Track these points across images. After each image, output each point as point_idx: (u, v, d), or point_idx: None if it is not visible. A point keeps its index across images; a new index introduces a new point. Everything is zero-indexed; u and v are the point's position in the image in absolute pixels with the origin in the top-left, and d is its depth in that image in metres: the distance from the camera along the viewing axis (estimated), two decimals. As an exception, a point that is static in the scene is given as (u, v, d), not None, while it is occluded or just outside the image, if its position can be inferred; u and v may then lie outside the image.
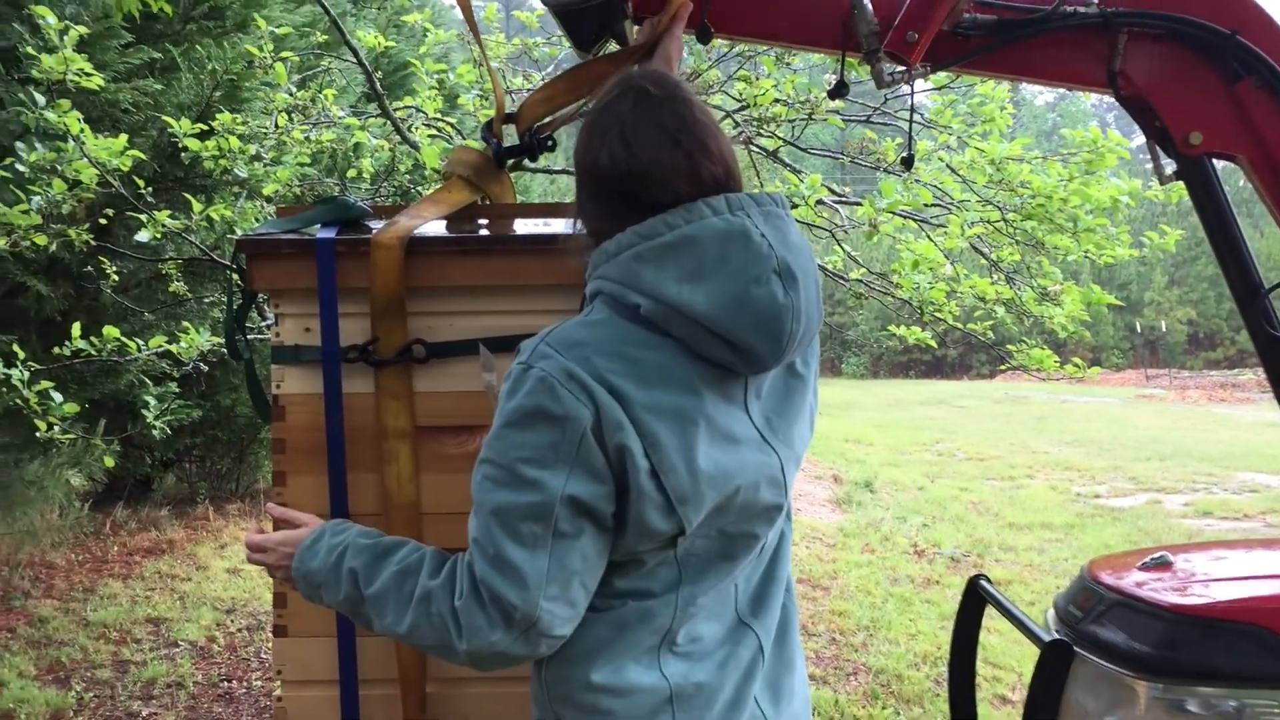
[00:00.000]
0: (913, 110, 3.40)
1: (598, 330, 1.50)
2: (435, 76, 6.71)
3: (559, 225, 2.19)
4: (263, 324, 5.74)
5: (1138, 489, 13.16)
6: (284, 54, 6.39)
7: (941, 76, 6.21)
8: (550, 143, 2.30)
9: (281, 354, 2.09)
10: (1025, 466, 15.21)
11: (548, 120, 2.30)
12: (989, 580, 3.09)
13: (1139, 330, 41.90)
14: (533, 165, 3.14)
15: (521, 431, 1.45)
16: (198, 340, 5.58)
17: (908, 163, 3.28)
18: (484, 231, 2.19)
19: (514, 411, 1.46)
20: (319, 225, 2.13)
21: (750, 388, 1.57)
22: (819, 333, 1.68)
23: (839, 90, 2.75)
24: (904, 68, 2.48)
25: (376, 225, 2.12)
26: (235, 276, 2.20)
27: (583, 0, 2.38)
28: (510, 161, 2.28)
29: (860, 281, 6.64)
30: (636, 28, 2.43)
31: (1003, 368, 7.99)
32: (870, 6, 2.45)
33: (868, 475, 13.82)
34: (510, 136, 2.31)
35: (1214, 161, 2.45)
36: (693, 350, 1.49)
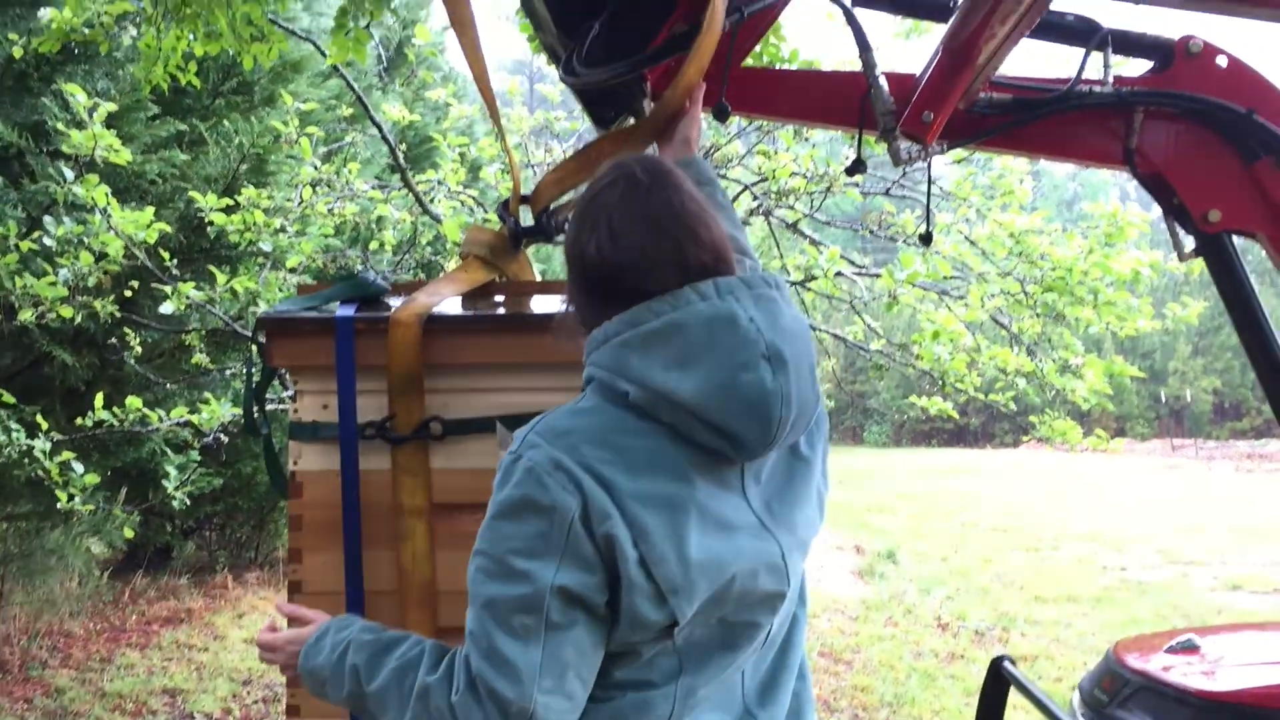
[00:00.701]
0: (930, 187, 3.42)
1: (586, 418, 1.50)
2: (458, 150, 6.80)
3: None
4: (285, 394, 5.77)
5: (1165, 561, 12.97)
6: (309, 129, 6.51)
7: (960, 151, 6.26)
8: (566, 223, 2.32)
9: (299, 430, 2.09)
10: (1051, 538, 15.02)
11: (563, 201, 2.32)
12: (1012, 661, 3.04)
13: (1164, 400, 41.58)
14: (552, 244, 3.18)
15: (510, 523, 1.45)
16: (219, 411, 5.62)
17: (926, 239, 3.29)
18: (501, 309, 2.20)
19: (503, 503, 1.46)
20: (338, 302, 2.15)
21: (747, 472, 1.54)
22: (826, 412, 1.67)
23: (856, 167, 2.77)
24: (920, 146, 2.49)
25: (395, 303, 2.13)
26: (255, 352, 2.22)
27: (603, 80, 2.42)
28: (526, 241, 2.30)
29: (880, 352, 6.63)
30: None
31: (1025, 438, 7.94)
32: (886, 86, 2.48)
33: (891, 546, 13.67)
34: (527, 215, 2.33)
35: (1233, 238, 2.45)
36: (684, 436, 1.47)
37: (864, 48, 2.52)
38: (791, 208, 6.33)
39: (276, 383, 5.01)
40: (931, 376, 6.10)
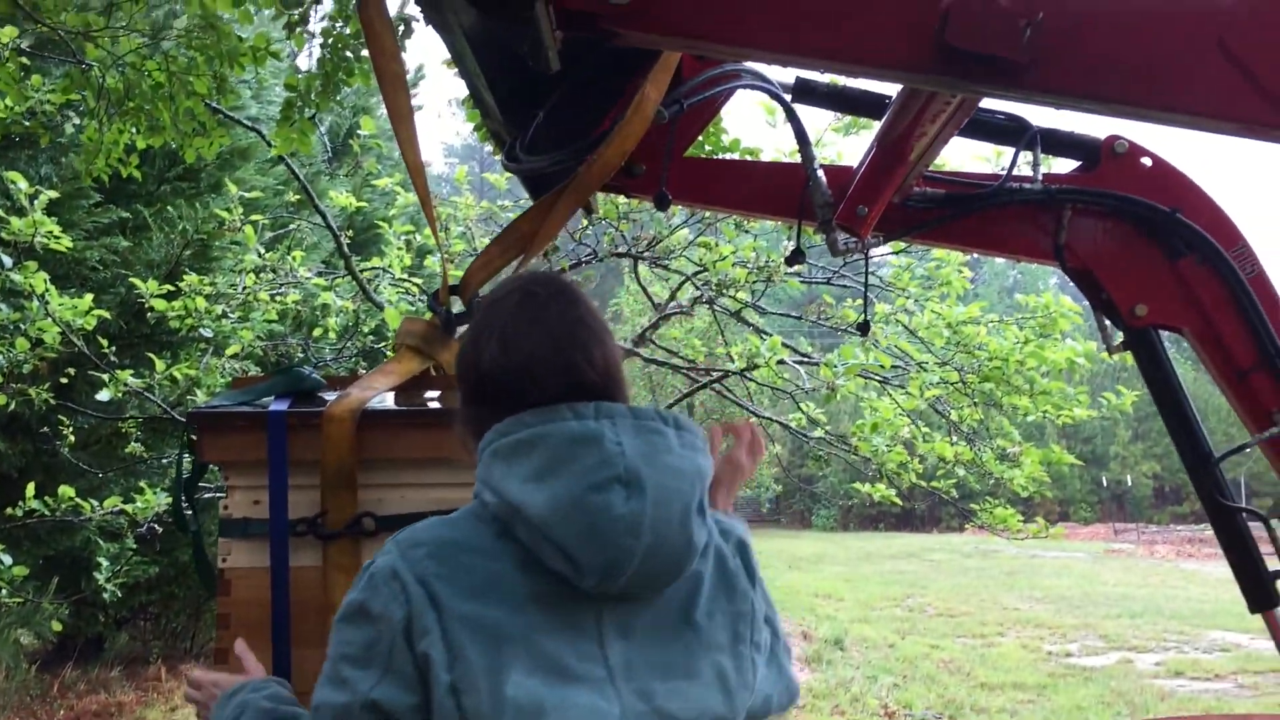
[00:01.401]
0: (867, 278, 3.49)
1: (447, 530, 1.45)
2: (403, 237, 6.83)
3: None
4: (216, 488, 5.69)
5: (1109, 647, 13.02)
6: (254, 216, 6.51)
7: (898, 242, 6.39)
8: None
9: (229, 527, 2.06)
10: (996, 623, 15.05)
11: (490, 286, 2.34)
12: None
13: (1105, 484, 42.09)
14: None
15: (347, 627, 1.42)
16: (154, 500, 5.52)
17: (863, 329, 3.35)
18: (434, 403, 2.20)
19: (345, 606, 1.44)
20: (272, 397, 2.14)
21: (608, 619, 1.42)
22: (749, 594, 1.54)
23: (795, 257, 2.83)
24: (856, 238, 2.55)
25: (330, 397, 2.13)
26: (185, 447, 2.19)
27: (543, 167, 2.45)
28: (460, 329, 2.31)
29: (823, 439, 6.68)
30: (602, 195, 2.50)
31: (964, 526, 8.01)
32: (824, 179, 2.54)
33: (838, 632, 13.62)
34: (459, 303, 2.35)
35: (1160, 332, 2.52)
36: (536, 561, 1.39)
37: (803, 142, 2.60)
38: (734, 297, 6.42)
39: (215, 472, 4.94)
40: (871, 464, 6.16)
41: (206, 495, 5.64)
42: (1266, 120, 2.04)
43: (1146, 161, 2.50)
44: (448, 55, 2.53)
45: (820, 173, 2.56)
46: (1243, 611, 2.49)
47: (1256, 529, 2.50)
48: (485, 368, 1.51)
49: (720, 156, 2.94)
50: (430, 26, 2.37)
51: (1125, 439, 44.32)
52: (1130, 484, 43.21)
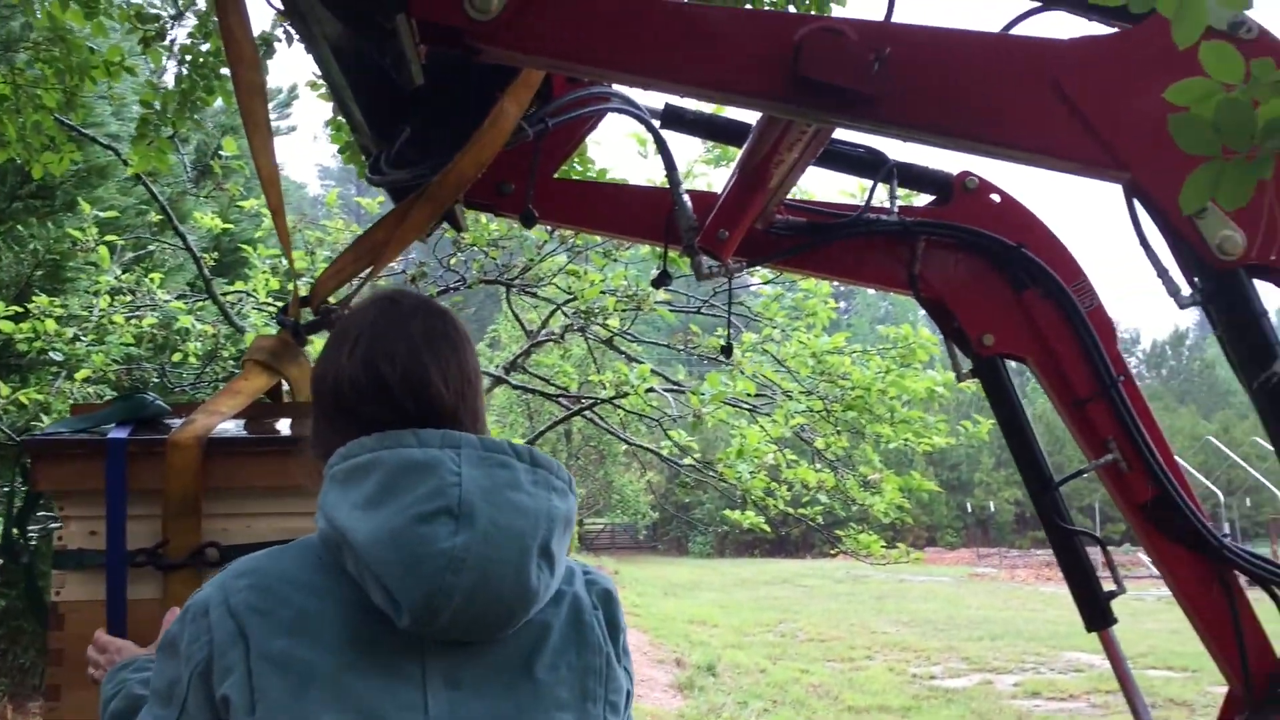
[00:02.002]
0: (731, 302, 3.55)
1: (275, 561, 1.36)
2: (269, 261, 6.69)
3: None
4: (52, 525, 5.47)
5: (971, 669, 13.39)
6: (110, 236, 6.30)
7: (766, 271, 6.52)
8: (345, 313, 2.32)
9: (63, 559, 1.98)
10: (865, 647, 15.34)
11: (344, 295, 2.32)
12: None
13: (970, 510, 43.37)
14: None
15: (161, 659, 1.36)
16: (-3, 531, 5.26)
17: (726, 351, 3.41)
18: (284, 430, 2.15)
19: (162, 637, 1.39)
20: (113, 424, 2.07)
21: (433, 666, 1.33)
22: (607, 652, 1.44)
23: (662, 280, 2.86)
24: (719, 262, 2.60)
25: (175, 424, 2.07)
26: (19, 476, 2.11)
27: (405, 179, 2.44)
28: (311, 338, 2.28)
29: (693, 467, 6.74)
30: (472, 219, 2.49)
31: (832, 552, 8.15)
32: (690, 204, 2.59)
33: (710, 658, 13.71)
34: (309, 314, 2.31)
35: (1005, 361, 2.62)
36: (366, 599, 1.31)
37: (669, 166, 2.64)
38: (604, 325, 6.45)
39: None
40: (736, 491, 6.25)
41: (53, 526, 5.41)
42: (1099, 161, 2.16)
43: (995, 197, 2.61)
44: (315, 72, 2.51)
45: (686, 197, 2.60)
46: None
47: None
48: (338, 378, 1.43)
49: (586, 180, 2.99)
50: (297, 37, 2.34)
51: (989, 466, 45.79)
52: (993, 510, 44.63)
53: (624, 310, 6.18)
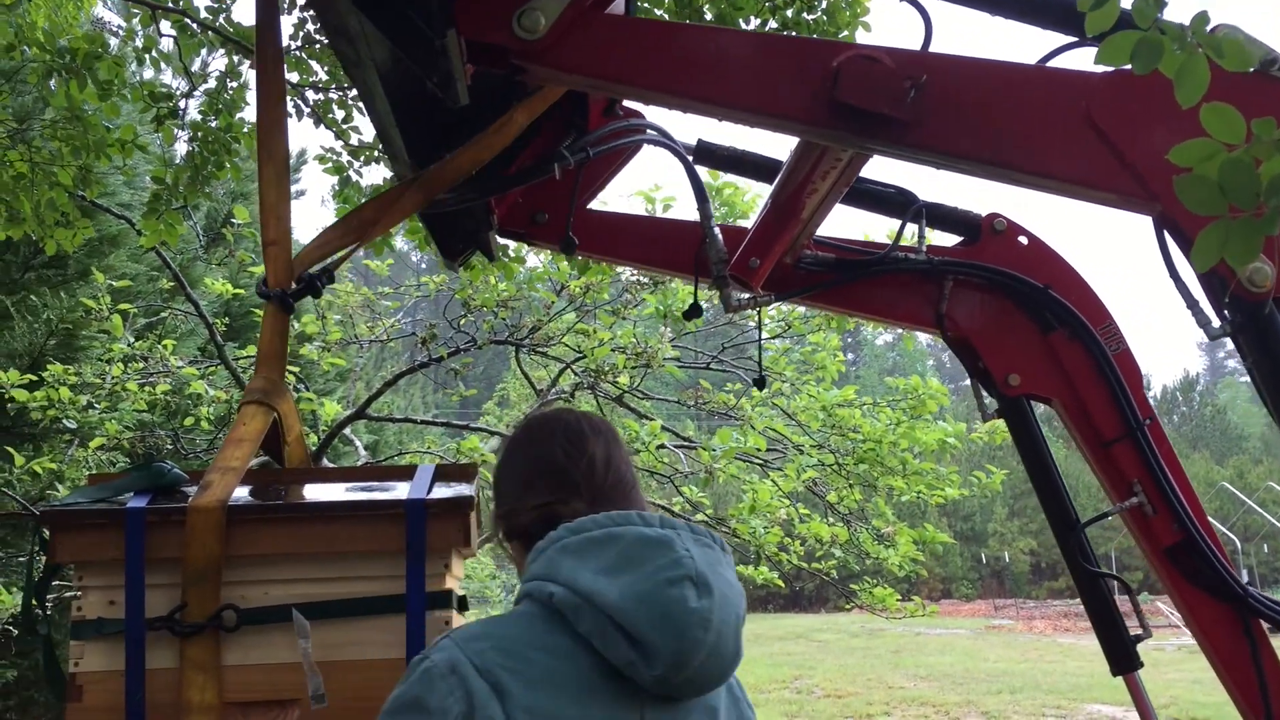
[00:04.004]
0: (761, 331, 3.56)
1: (505, 626, 1.52)
2: (280, 326, 6.73)
3: (378, 492, 2.19)
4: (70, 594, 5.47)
5: (990, 724, 13.22)
6: (123, 305, 6.35)
7: (775, 322, 6.55)
8: (328, 279, 2.34)
9: (82, 629, 1.98)
10: (882, 702, 15.16)
11: (330, 261, 2.35)
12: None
13: (984, 561, 43.00)
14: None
15: (399, 718, 1.46)
16: (10, 601, 5.27)
17: (760, 383, 3.38)
18: (301, 497, 2.17)
19: (394, 699, 1.48)
20: (130, 493, 2.08)
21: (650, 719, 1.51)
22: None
23: (693, 312, 2.89)
24: (749, 294, 2.62)
25: (192, 491, 2.08)
26: (37, 547, 2.12)
27: (450, 205, 2.48)
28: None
29: (706, 523, 6.72)
30: (504, 241, 2.52)
31: (846, 606, 8.10)
32: (720, 236, 2.62)
33: (726, 718, 13.53)
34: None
35: (1031, 402, 2.62)
36: (597, 655, 1.47)
37: (701, 198, 2.67)
38: (614, 383, 6.48)
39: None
40: (749, 547, 6.22)
41: (69, 594, 5.41)
42: (1132, 192, 2.18)
43: (1023, 239, 2.63)
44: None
45: (717, 230, 2.63)
46: (1118, 684, 2.57)
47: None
48: (552, 455, 1.69)
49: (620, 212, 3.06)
50: (340, 64, 2.39)
51: (1003, 516, 45.46)
52: (1008, 560, 44.25)
53: (633, 368, 6.21)
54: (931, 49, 2.22)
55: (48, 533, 2.01)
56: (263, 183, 2.38)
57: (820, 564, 6.98)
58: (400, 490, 2.11)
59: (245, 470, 2.11)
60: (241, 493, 2.11)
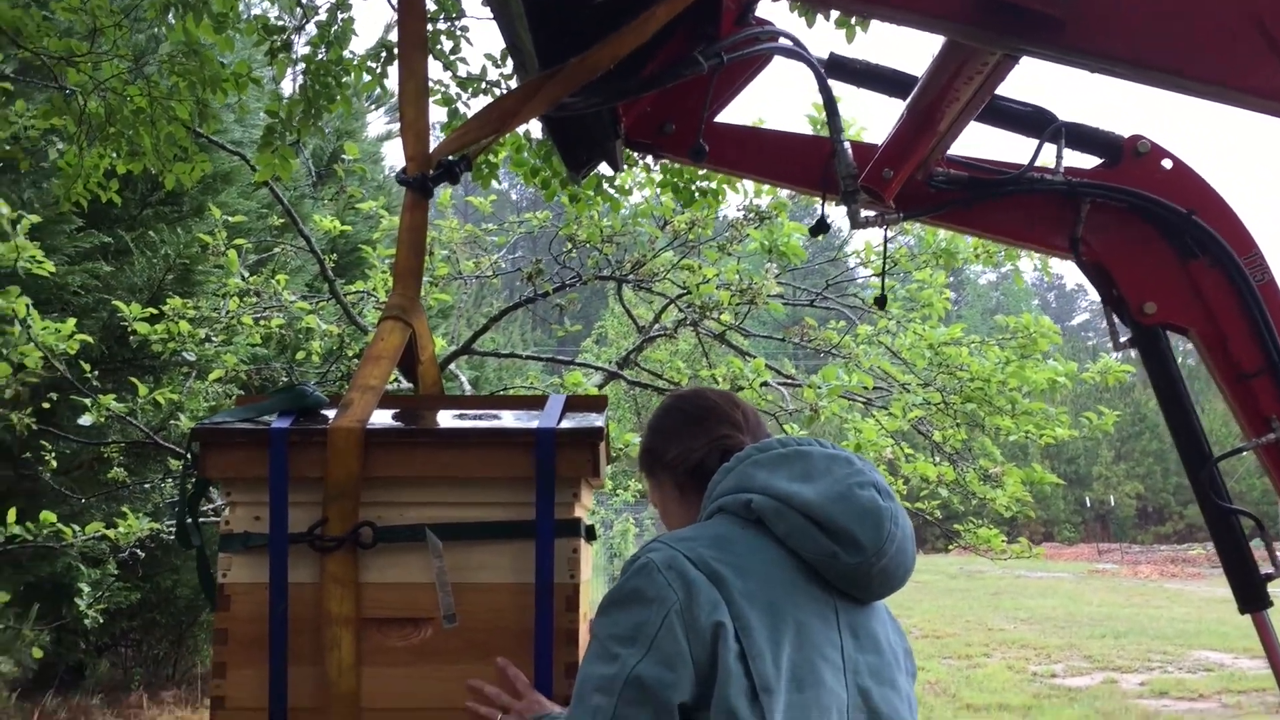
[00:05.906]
0: (886, 248, 3.49)
1: (708, 529, 1.70)
2: (387, 261, 6.84)
3: (508, 418, 2.23)
4: (209, 509, 5.66)
5: (1094, 668, 13.05)
6: (237, 241, 6.50)
7: (880, 260, 6.45)
8: (466, 165, 2.38)
9: (229, 542, 2.07)
10: (981, 644, 15.07)
11: (469, 150, 2.38)
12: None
13: (1089, 504, 42.24)
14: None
15: (619, 610, 1.60)
16: (137, 525, 5.49)
17: (880, 302, 3.30)
18: (440, 422, 2.21)
19: (615, 592, 1.63)
20: (275, 414, 2.15)
21: (842, 617, 1.67)
22: (907, 647, 1.83)
23: (820, 227, 2.84)
24: (877, 212, 2.57)
25: (332, 414, 2.14)
26: (188, 463, 2.20)
27: (579, 108, 2.47)
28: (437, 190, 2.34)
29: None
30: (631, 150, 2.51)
31: (950, 546, 8.03)
32: (850, 150, 2.57)
33: (822, 656, 13.59)
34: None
35: (1167, 331, 2.54)
36: (792, 556, 1.64)
37: (832, 112, 2.62)
38: (717, 320, 6.46)
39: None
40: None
41: (209, 509, 5.63)
42: None
43: (1167, 163, 2.52)
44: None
45: (847, 145, 2.57)
46: (1227, 631, 2.52)
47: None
48: (713, 402, 1.95)
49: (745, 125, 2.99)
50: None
51: (1108, 459, 44.54)
52: (1114, 504, 43.40)
53: (737, 305, 6.18)
54: None
55: (198, 449, 2.09)
56: (403, 100, 2.41)
57: (923, 504, 6.93)
58: (532, 419, 2.14)
59: (384, 388, 2.16)
60: (382, 416, 2.16)
